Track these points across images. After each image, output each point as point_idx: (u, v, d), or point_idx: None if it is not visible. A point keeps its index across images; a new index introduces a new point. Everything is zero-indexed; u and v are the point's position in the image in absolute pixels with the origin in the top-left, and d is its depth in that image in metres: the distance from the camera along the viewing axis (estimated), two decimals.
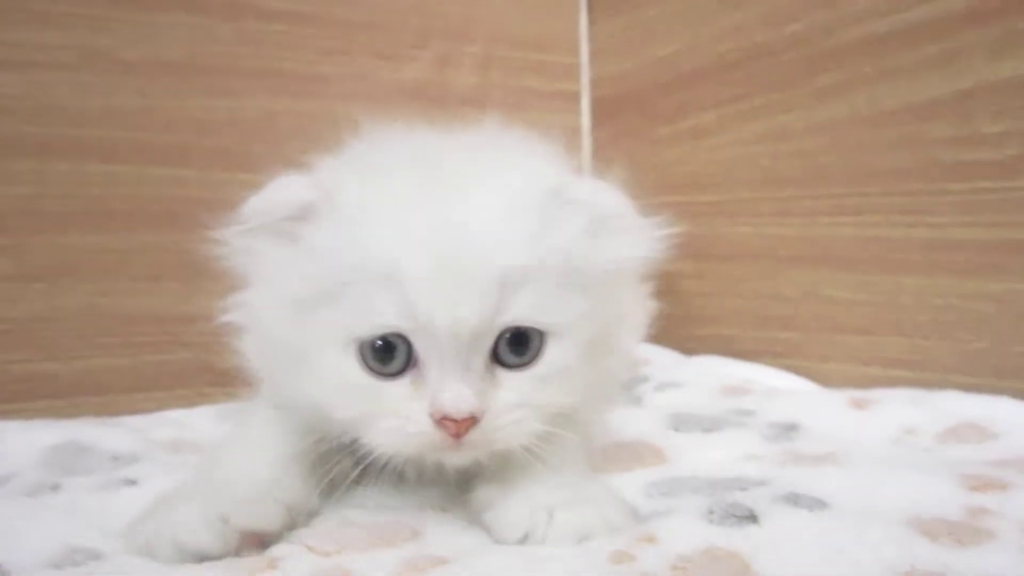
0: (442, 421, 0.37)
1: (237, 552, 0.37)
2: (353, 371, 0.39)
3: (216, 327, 0.75)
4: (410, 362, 0.38)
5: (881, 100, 0.66)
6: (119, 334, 0.75)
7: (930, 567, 0.33)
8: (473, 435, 0.38)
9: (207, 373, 0.77)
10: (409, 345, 0.38)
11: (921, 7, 0.63)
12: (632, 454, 0.53)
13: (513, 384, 0.40)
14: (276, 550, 0.39)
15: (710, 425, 0.60)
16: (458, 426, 0.37)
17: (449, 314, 0.37)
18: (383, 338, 0.38)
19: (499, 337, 0.39)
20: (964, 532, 0.36)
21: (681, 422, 0.60)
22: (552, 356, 0.40)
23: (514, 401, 0.39)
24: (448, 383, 0.37)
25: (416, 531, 0.40)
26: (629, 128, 0.92)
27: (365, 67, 0.83)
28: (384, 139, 0.47)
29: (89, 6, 0.71)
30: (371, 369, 0.39)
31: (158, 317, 0.76)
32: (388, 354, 0.38)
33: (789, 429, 0.60)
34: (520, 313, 0.38)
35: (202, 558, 0.37)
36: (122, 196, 0.74)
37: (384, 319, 0.38)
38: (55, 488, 0.49)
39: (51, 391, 0.72)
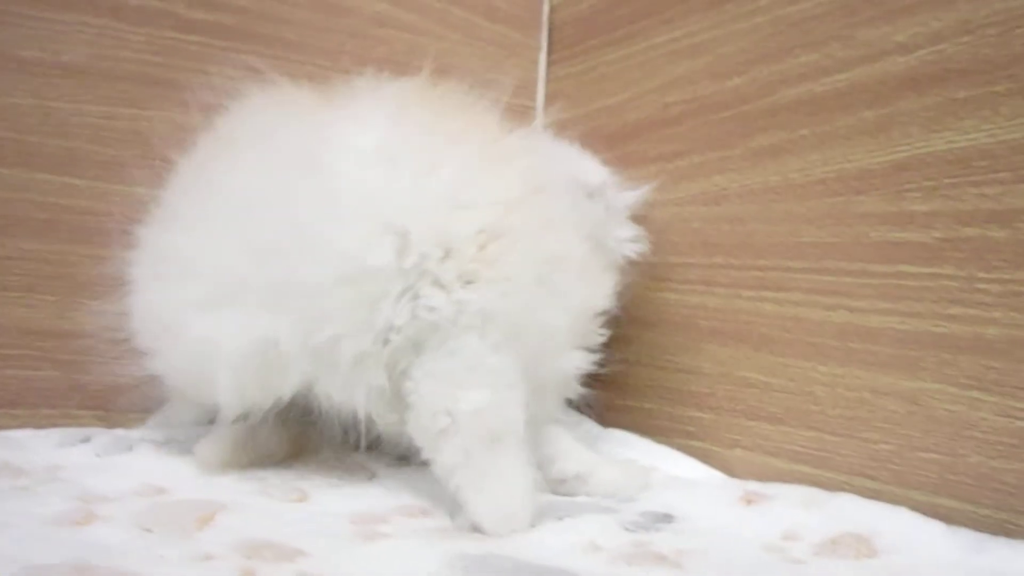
0: None
1: None
2: None
3: (91, 345, 0.71)
4: None
5: (814, 167, 0.60)
6: None
7: None
8: None
9: (76, 394, 0.72)
10: None
11: (861, 67, 0.57)
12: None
13: None
14: None
15: (569, 512, 0.53)
16: None
17: None
18: None
19: None
20: None
21: (545, 511, 0.53)
22: None
23: None
24: None
25: None
26: None
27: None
28: None
29: None
30: None
31: (29, 330, 0.71)
32: None
33: (660, 519, 0.53)
34: None
35: None
36: (2, 200, 0.69)
37: None
38: None
39: None
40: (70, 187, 0.72)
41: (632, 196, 0.71)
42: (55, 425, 0.69)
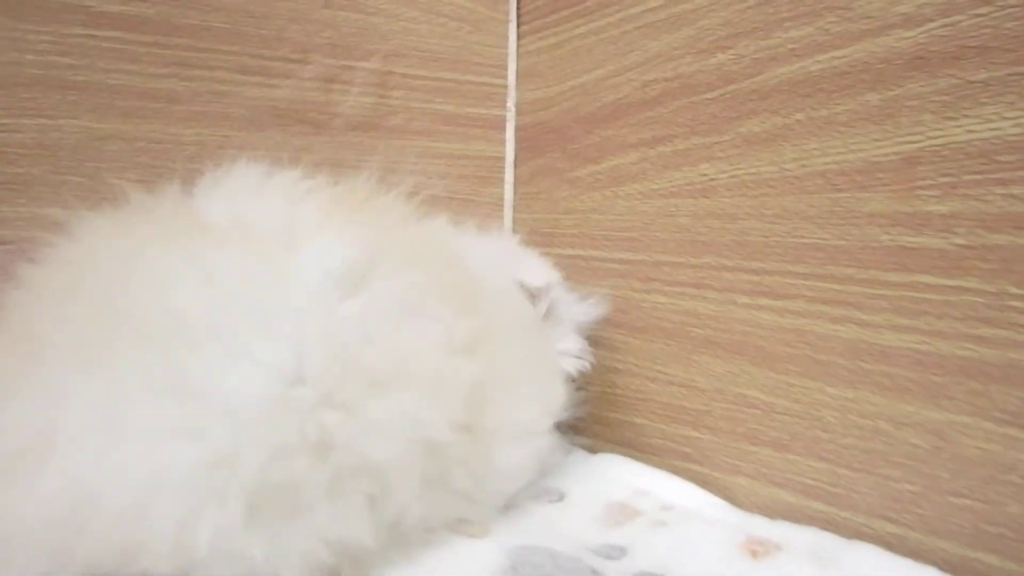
0: None
1: None
2: None
3: None
4: None
5: (812, 157, 0.52)
6: None
7: None
8: None
9: None
10: None
11: (861, 44, 0.48)
12: None
13: None
14: None
15: (543, 568, 0.47)
16: None
17: None
18: None
19: None
20: None
21: (517, 567, 0.47)
22: None
23: None
24: None
25: None
26: (551, 164, 0.78)
27: (225, 83, 0.69)
28: None
29: None
30: None
31: None
32: None
33: None
34: None
35: None
36: None
37: None
38: None
39: None
40: None
41: (582, 309, 0.67)
42: None
